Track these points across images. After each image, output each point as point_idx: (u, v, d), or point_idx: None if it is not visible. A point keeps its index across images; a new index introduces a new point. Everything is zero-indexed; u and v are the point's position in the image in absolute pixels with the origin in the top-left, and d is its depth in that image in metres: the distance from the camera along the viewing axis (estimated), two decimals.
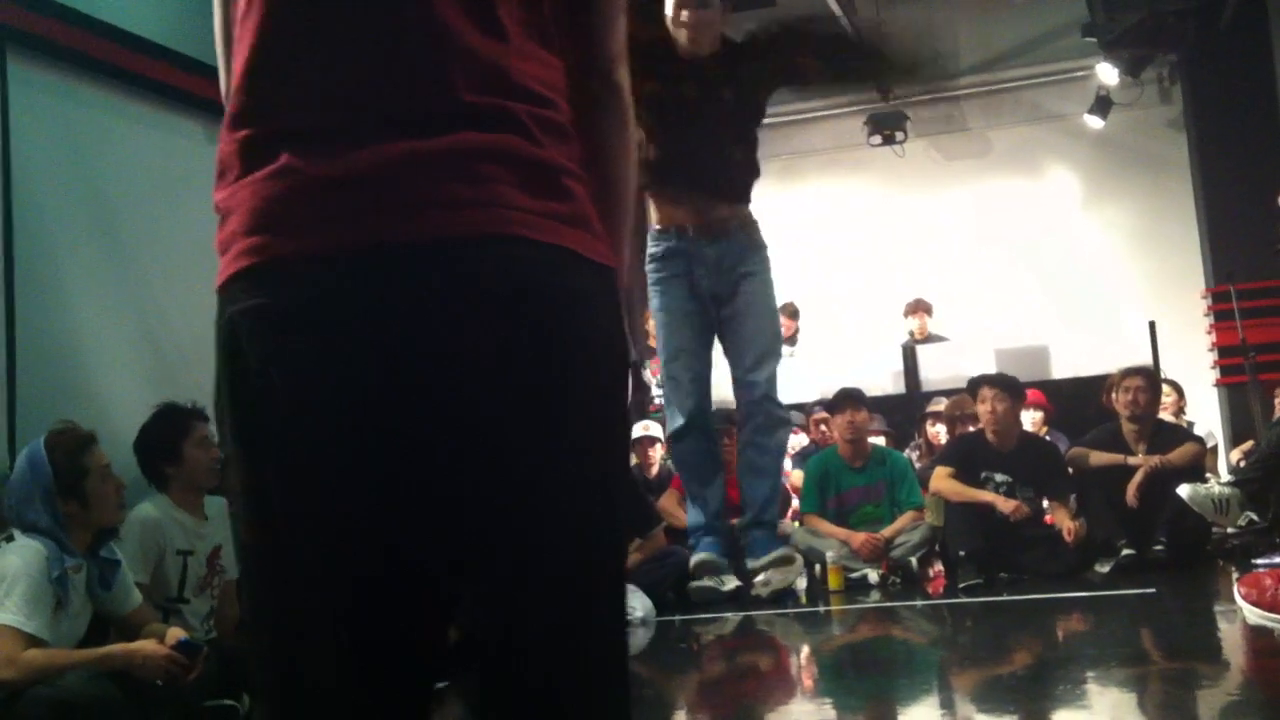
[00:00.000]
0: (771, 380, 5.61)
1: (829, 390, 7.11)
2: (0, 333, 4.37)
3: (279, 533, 1.29)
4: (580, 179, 1.34)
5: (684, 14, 5.02)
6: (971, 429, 6.95)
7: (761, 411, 5.62)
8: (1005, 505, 6.25)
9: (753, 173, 5.57)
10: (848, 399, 6.74)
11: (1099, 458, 6.47)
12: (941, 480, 6.48)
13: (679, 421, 5.67)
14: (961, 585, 6.05)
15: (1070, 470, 6.64)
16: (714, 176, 5.37)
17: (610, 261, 1.36)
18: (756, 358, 5.55)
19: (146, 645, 3.50)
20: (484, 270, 1.23)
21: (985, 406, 6.54)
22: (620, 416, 1.38)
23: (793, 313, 9.44)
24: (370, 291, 1.22)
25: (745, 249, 5.51)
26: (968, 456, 6.56)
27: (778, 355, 5.76)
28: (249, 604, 1.35)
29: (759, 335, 5.57)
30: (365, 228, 1.22)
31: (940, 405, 7.80)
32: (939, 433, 7.67)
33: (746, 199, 5.57)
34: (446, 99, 1.26)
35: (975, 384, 6.74)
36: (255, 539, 1.32)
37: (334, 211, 1.22)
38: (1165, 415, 7.19)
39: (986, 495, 6.32)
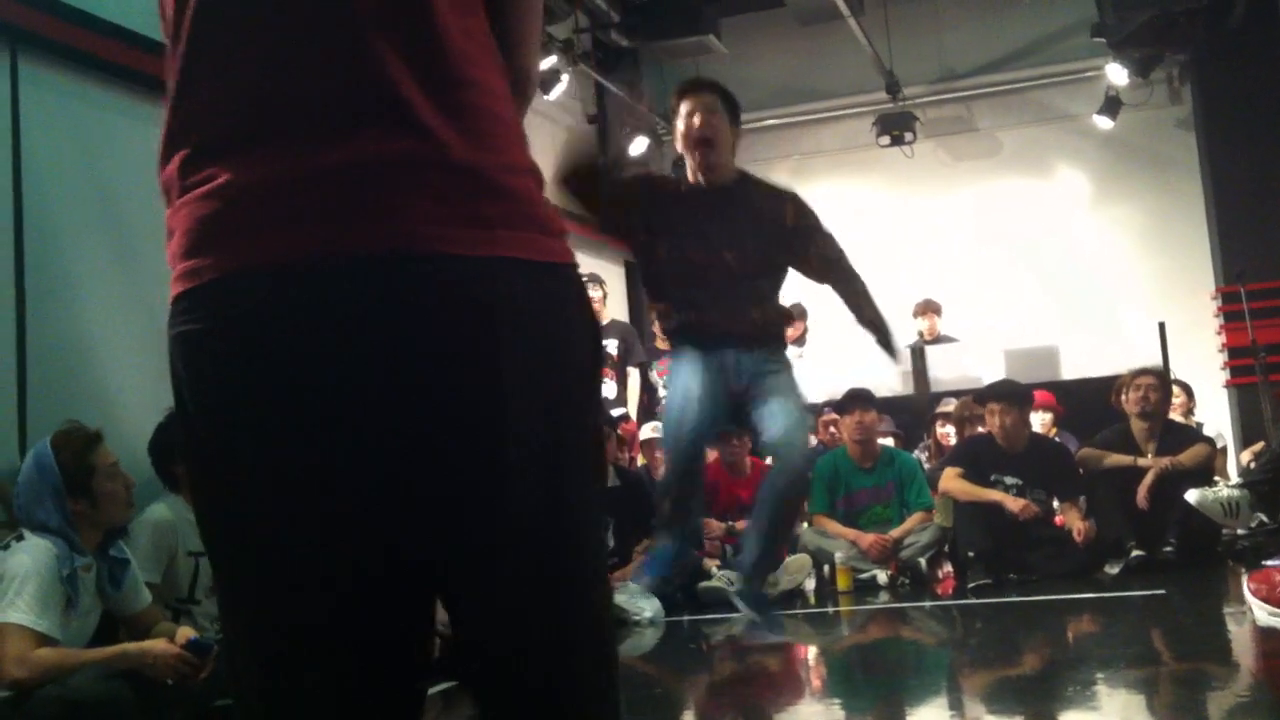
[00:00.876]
0: (805, 454, 4.61)
1: (838, 391, 7.10)
2: (10, 333, 4.38)
3: (228, 550, 1.30)
4: (522, 171, 1.30)
5: (695, 120, 4.09)
6: (981, 429, 6.95)
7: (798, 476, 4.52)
8: (1014, 505, 6.24)
9: (781, 323, 4.59)
10: (857, 400, 6.74)
11: (1109, 459, 6.46)
12: (950, 480, 6.47)
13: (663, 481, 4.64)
14: (970, 586, 6.04)
15: (1080, 471, 6.63)
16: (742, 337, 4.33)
17: (561, 256, 1.31)
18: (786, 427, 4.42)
19: (157, 645, 3.51)
20: (411, 285, 1.20)
21: (994, 420, 6.56)
22: (580, 419, 1.32)
23: (801, 313, 9.41)
24: (293, 310, 1.20)
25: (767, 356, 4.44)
26: (977, 458, 6.56)
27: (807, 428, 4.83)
28: (224, 626, 1.35)
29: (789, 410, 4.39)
30: (288, 244, 1.20)
31: (949, 406, 7.79)
32: (948, 434, 7.66)
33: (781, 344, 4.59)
34: (367, 106, 1.23)
35: (982, 398, 6.76)
36: (213, 554, 1.33)
37: (258, 230, 1.21)
38: (1174, 416, 7.18)
39: (995, 495, 6.32)
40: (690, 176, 4.18)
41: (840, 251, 4.33)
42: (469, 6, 1.31)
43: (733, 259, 4.08)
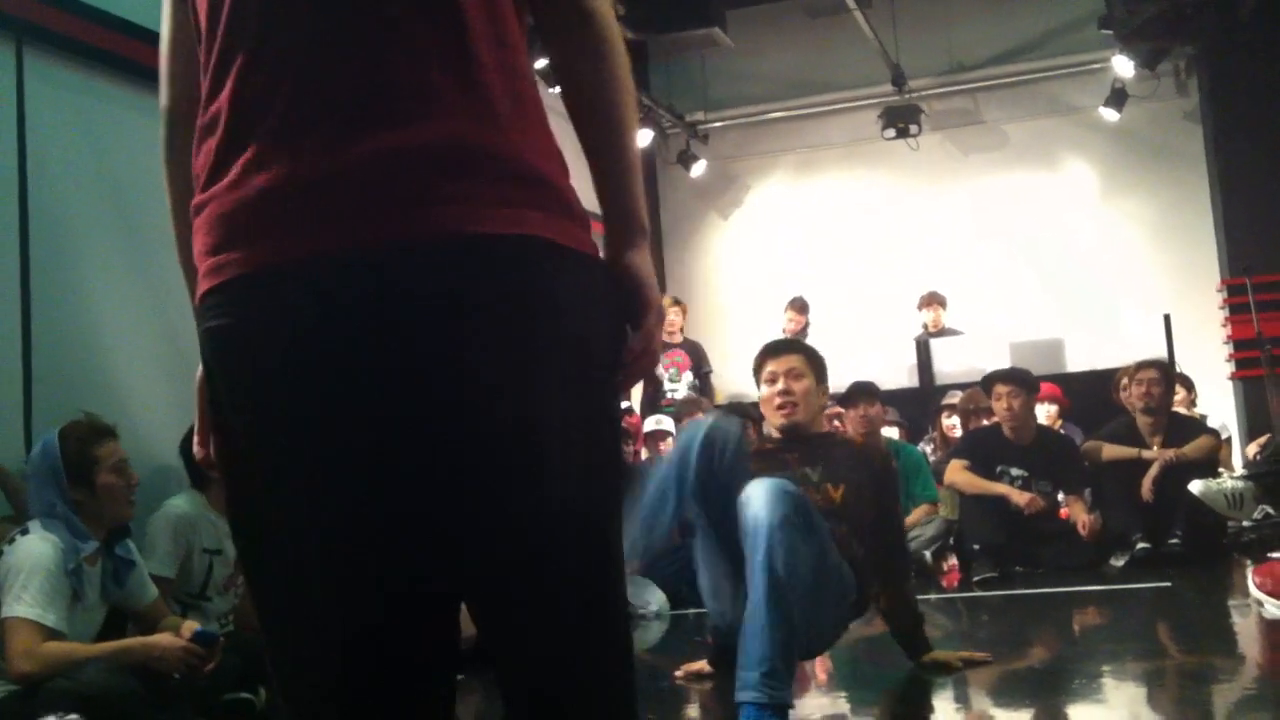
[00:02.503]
0: None
1: (842, 384, 7.09)
2: (16, 327, 4.39)
3: (260, 539, 1.31)
4: (549, 156, 1.31)
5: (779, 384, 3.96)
6: (986, 422, 6.94)
7: None
8: (1019, 498, 6.24)
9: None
10: (861, 393, 6.74)
11: (1114, 451, 6.46)
12: (956, 473, 6.47)
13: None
14: (976, 579, 6.04)
15: (1085, 464, 6.63)
16: None
17: (585, 246, 1.32)
18: None
19: (164, 638, 3.52)
20: (434, 273, 1.21)
21: (1001, 403, 6.53)
22: (598, 405, 1.32)
23: (801, 307, 9.43)
24: (319, 303, 1.21)
25: None
26: (983, 450, 6.56)
27: None
28: (257, 610, 1.36)
29: None
30: (314, 237, 1.21)
31: (955, 398, 7.79)
32: (954, 425, 7.65)
33: None
34: (398, 95, 1.23)
35: (989, 381, 6.74)
36: (243, 548, 1.35)
37: (291, 223, 1.22)
38: (1177, 409, 7.17)
39: (1000, 488, 6.32)
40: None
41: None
42: None
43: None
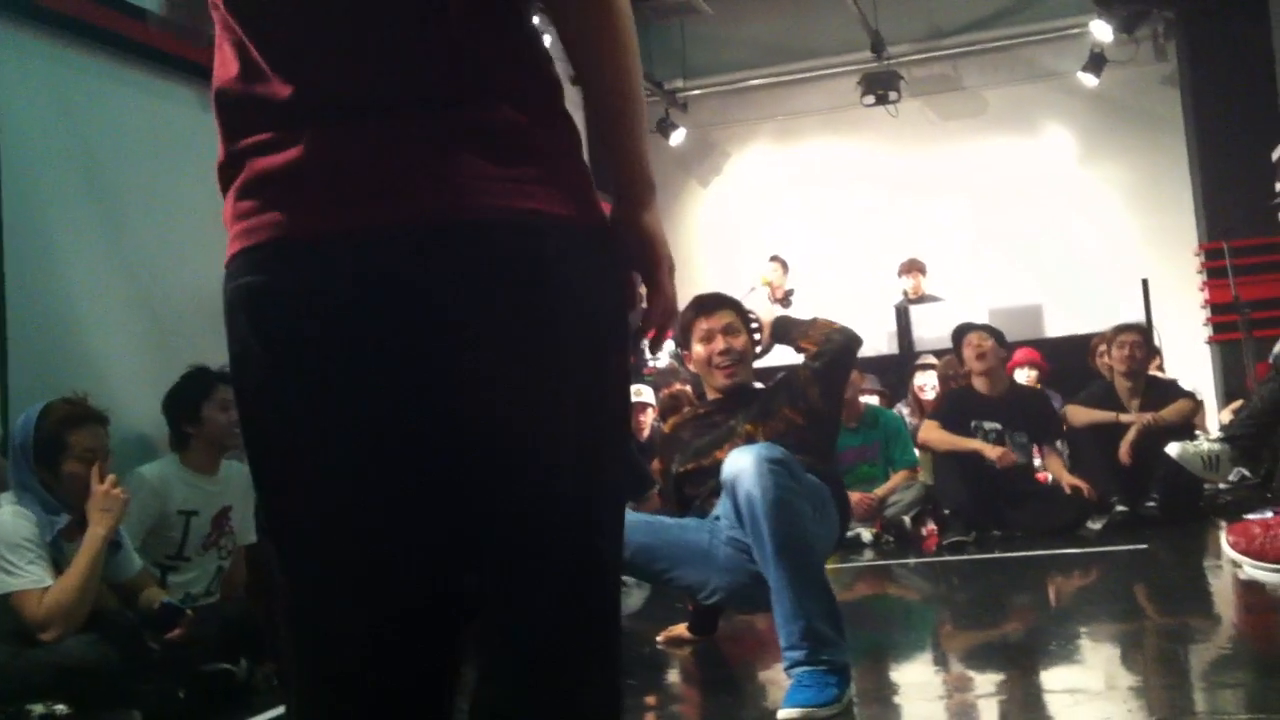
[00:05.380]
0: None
1: None
2: None
3: (285, 508, 1.37)
4: (551, 132, 1.34)
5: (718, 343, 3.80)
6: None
7: None
8: (992, 452, 6.27)
9: None
10: None
11: (1092, 415, 6.50)
12: (930, 431, 6.51)
13: None
14: (946, 542, 6.08)
15: (1064, 427, 6.67)
16: None
17: (592, 220, 1.36)
18: None
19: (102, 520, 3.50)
20: (451, 248, 1.25)
21: (971, 350, 6.58)
22: (605, 371, 1.37)
23: (784, 265, 9.45)
24: (349, 276, 1.26)
25: None
26: (957, 407, 6.60)
27: None
28: (277, 569, 1.39)
29: None
30: (348, 211, 1.26)
31: (930, 360, 7.78)
32: (923, 385, 7.59)
33: None
34: (400, 79, 1.28)
35: (960, 332, 6.78)
36: (265, 507, 1.41)
37: (321, 195, 1.26)
38: (1154, 374, 7.22)
39: (974, 443, 6.35)
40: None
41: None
42: None
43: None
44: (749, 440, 3.60)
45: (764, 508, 3.05)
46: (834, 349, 3.82)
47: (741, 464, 3.14)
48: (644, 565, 3.59)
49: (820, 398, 3.77)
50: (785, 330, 3.93)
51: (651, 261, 1.44)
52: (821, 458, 3.71)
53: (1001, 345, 6.68)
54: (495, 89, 1.29)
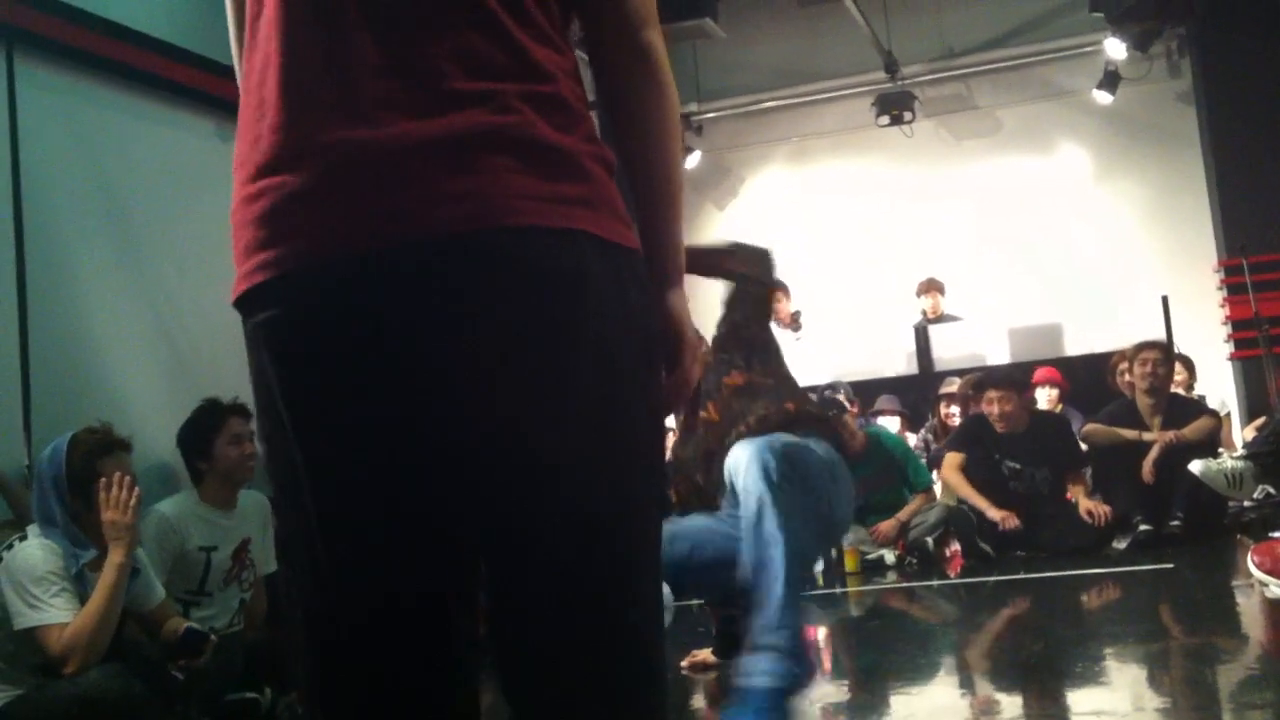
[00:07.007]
0: None
1: (843, 373, 7.10)
2: (13, 331, 4.39)
3: (309, 532, 1.32)
4: (595, 158, 1.31)
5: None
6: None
7: None
8: (994, 514, 6.29)
9: None
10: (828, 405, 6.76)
11: (1114, 434, 6.47)
12: (950, 472, 6.54)
13: None
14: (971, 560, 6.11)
15: (1085, 447, 6.64)
16: None
17: (630, 242, 1.33)
18: None
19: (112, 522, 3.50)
20: (483, 264, 1.23)
21: (993, 409, 6.59)
22: (643, 393, 1.34)
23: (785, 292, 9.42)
24: (372, 294, 1.22)
25: None
26: (978, 439, 6.59)
27: None
28: (284, 586, 1.38)
29: None
30: (362, 230, 1.22)
31: (953, 386, 7.78)
32: (953, 414, 7.64)
33: None
34: (438, 86, 1.24)
35: (979, 387, 6.80)
36: (286, 530, 1.38)
37: (330, 215, 1.23)
38: (1175, 391, 7.19)
39: (981, 502, 6.37)
40: None
41: None
42: None
43: None
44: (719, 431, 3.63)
45: (757, 500, 3.14)
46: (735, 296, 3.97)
47: (738, 455, 3.28)
48: (666, 553, 3.53)
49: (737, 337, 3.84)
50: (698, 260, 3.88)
51: (677, 346, 1.43)
52: (791, 393, 3.73)
53: (1022, 392, 6.69)
54: (537, 106, 1.27)
